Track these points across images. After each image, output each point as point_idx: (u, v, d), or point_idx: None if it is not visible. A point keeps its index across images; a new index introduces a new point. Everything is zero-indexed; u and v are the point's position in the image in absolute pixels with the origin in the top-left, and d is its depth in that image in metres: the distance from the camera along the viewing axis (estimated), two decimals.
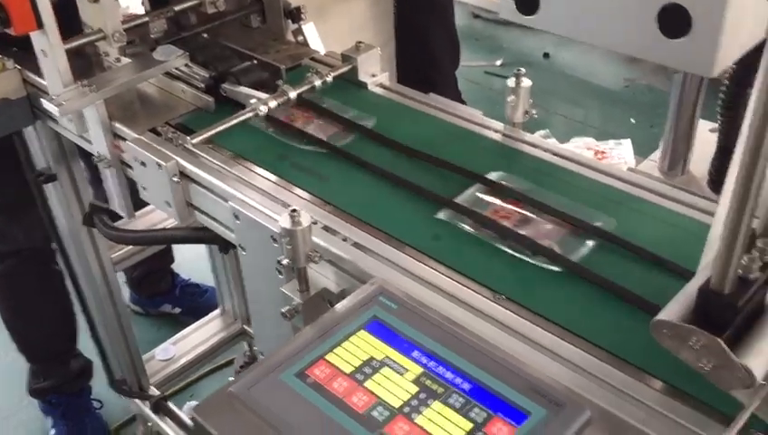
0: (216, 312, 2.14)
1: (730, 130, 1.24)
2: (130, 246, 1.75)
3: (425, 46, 2.29)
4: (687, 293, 0.73)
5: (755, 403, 0.67)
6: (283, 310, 0.95)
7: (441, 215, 1.02)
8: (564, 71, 3.82)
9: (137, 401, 1.88)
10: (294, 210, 0.90)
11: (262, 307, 1.11)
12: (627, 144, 1.97)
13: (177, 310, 2.43)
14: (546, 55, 3.93)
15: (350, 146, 1.17)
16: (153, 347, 2.05)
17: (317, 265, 0.97)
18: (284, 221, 0.91)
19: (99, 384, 2.06)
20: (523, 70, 1.18)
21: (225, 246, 1.22)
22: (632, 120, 3.35)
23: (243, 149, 1.17)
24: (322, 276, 0.98)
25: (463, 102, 2.30)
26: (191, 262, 2.47)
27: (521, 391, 0.74)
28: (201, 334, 2.07)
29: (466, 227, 0.99)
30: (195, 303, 2.39)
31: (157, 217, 1.70)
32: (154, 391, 1.89)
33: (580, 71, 3.80)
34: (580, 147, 2.01)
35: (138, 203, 1.35)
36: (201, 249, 2.17)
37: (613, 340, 0.82)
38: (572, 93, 3.61)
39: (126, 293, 2.36)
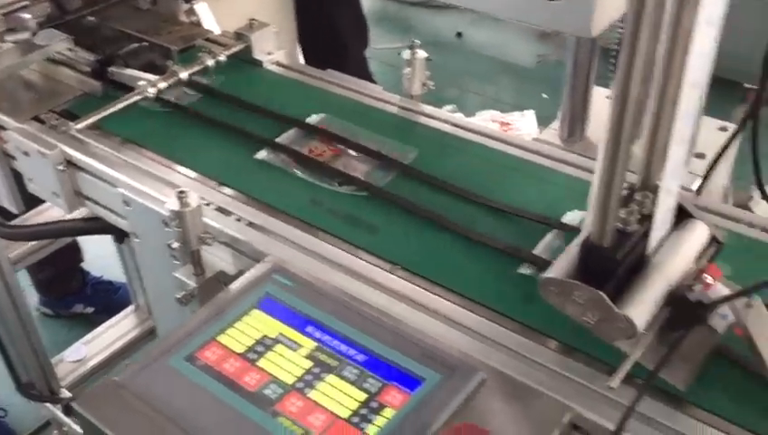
0: (130, 308, 2.07)
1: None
2: (30, 244, 1.67)
3: (331, 26, 2.26)
4: (571, 250, 0.73)
5: (638, 352, 0.68)
6: (178, 296, 0.92)
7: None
8: (477, 49, 3.86)
9: (48, 405, 1.81)
10: (182, 191, 0.87)
11: (160, 296, 1.08)
12: (530, 115, 2.00)
13: (90, 309, 2.34)
14: (459, 35, 3.95)
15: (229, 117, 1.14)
16: (65, 349, 1.97)
17: (212, 248, 0.94)
18: (172, 203, 0.87)
19: (2, 391, 1.96)
20: (417, 42, 1.17)
21: (121, 236, 1.17)
22: (544, 95, 3.41)
23: (133, 134, 1.12)
24: (219, 259, 0.96)
25: (373, 83, 2.29)
26: (103, 258, 2.39)
27: (415, 359, 0.74)
28: (114, 333, 2.00)
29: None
30: (108, 300, 2.30)
31: (57, 211, 1.63)
32: (66, 394, 1.82)
33: (492, 49, 3.84)
34: (486, 119, 2.03)
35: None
36: (112, 244, 2.10)
37: (511, 304, 0.83)
38: (486, 71, 3.65)
39: (35, 296, 2.26)
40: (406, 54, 1.16)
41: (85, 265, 2.33)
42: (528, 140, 1.18)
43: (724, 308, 0.76)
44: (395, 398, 0.71)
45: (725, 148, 1.01)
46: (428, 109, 1.17)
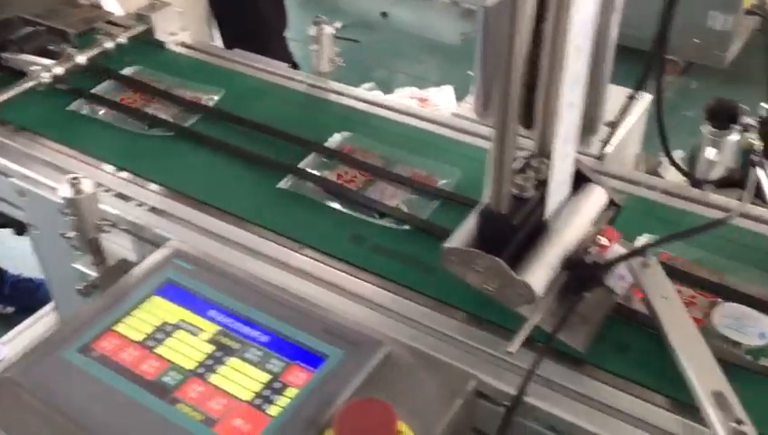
0: (49, 306, 2.00)
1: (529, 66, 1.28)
2: None
3: (250, 7, 2.21)
4: (470, 219, 0.73)
5: (536, 317, 0.69)
6: (78, 287, 0.89)
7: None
8: (403, 29, 3.84)
9: None
10: (75, 177, 0.84)
11: (64, 289, 1.04)
12: (448, 90, 2.01)
13: (10, 309, 2.25)
14: (384, 15, 3.93)
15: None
16: None
17: (113, 236, 0.91)
18: (65, 190, 0.84)
19: None
20: (324, 17, 1.15)
21: (20, 228, 1.12)
22: (469, 72, 3.42)
23: (28, 121, 1.07)
24: (120, 247, 0.92)
25: (295, 65, 2.26)
26: (21, 256, 2.30)
27: (318, 336, 0.73)
28: (34, 331, 1.93)
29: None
30: (29, 299, 2.22)
31: None
32: None
33: (417, 28, 3.83)
34: (405, 96, 2.03)
35: None
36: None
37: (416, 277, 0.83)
38: (412, 50, 3.64)
39: None
40: (312, 31, 1.14)
41: (3, 264, 2.25)
42: (444, 115, 1.18)
43: (623, 269, 0.78)
44: (298, 377, 0.69)
45: (623, 113, 1.02)
46: (337, 86, 1.15)
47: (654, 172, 1.43)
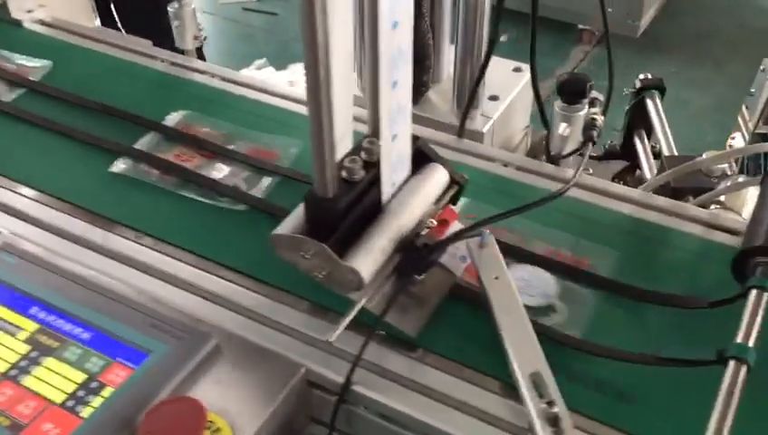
0: None
1: (416, 37, 1.25)
2: None
3: None
4: (301, 206, 0.71)
5: (359, 303, 0.67)
6: None
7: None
8: None
9: None
10: None
11: None
12: None
13: None
14: None
15: None
16: None
17: None
18: None
19: None
20: None
21: None
22: None
23: None
24: None
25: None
26: None
27: (144, 331, 0.70)
28: None
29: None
30: None
31: None
32: None
33: None
34: (297, 71, 1.98)
35: None
36: None
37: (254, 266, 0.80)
38: None
39: None
40: (172, 7, 1.09)
41: None
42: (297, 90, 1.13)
43: (463, 250, 0.77)
44: (118, 375, 0.66)
45: (477, 84, 0.99)
46: (197, 63, 1.11)
47: (539, 146, 1.43)
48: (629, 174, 1.38)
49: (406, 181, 0.76)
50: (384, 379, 0.68)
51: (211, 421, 0.62)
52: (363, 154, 0.72)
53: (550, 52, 3.55)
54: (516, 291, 0.70)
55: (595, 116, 0.82)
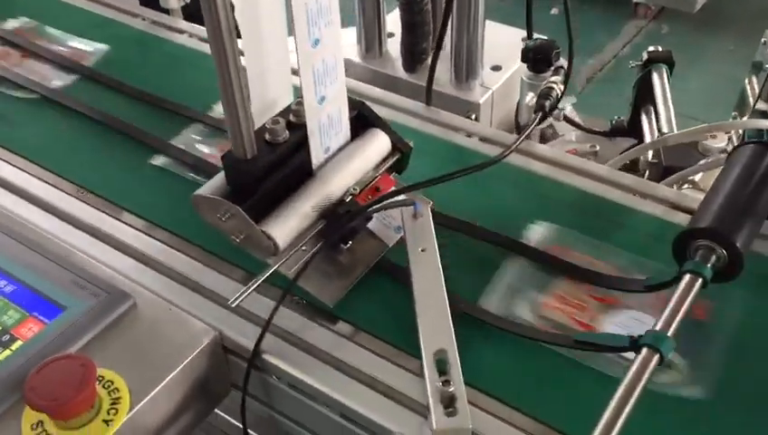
0: None
1: (407, 5, 1.21)
2: None
3: None
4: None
5: (268, 270, 0.64)
6: None
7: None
8: None
9: None
10: None
11: None
12: (351, 31, 1.93)
13: None
14: None
15: None
16: None
17: None
18: None
19: None
20: None
21: None
22: None
23: None
24: None
25: None
26: None
27: (63, 287, 0.69)
28: None
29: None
30: None
31: None
32: None
33: None
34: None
35: None
36: None
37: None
38: None
39: None
40: None
41: None
42: None
43: (398, 220, 0.73)
44: (30, 329, 0.66)
45: (436, 51, 0.93)
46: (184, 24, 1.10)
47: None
48: None
49: (343, 147, 0.73)
50: (296, 348, 0.66)
51: (111, 381, 0.61)
52: (291, 116, 0.70)
53: (601, 26, 3.42)
54: (440, 266, 0.66)
55: (552, 85, 0.77)
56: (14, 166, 0.85)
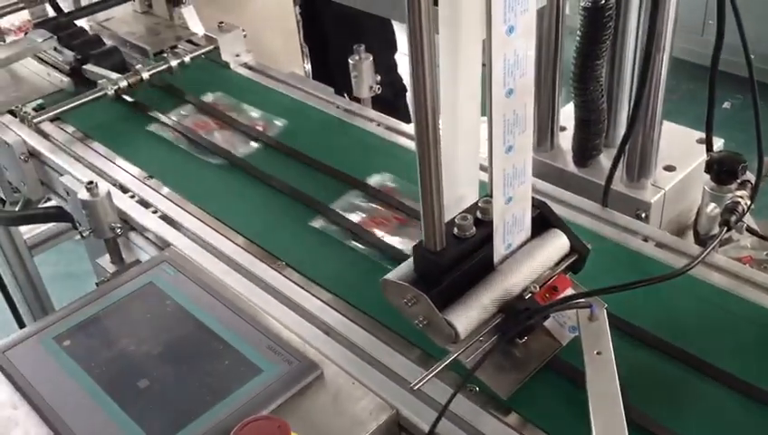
0: None
1: (583, 103, 1.24)
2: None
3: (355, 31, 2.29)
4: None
5: (449, 357, 0.68)
6: (96, 281, 0.99)
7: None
8: None
9: None
10: (91, 182, 0.93)
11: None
12: None
13: None
14: None
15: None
16: None
17: (138, 238, 1.00)
18: (82, 193, 0.94)
19: None
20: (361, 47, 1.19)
21: (74, 223, 1.25)
22: None
23: (90, 128, 1.20)
24: (139, 249, 1.01)
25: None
26: None
27: (260, 351, 0.77)
28: None
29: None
30: None
31: None
32: None
33: None
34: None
35: None
36: None
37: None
38: None
39: None
40: (352, 59, 1.19)
41: None
42: None
43: (574, 320, 0.75)
44: None
45: (618, 154, 0.94)
46: (372, 113, 1.19)
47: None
48: None
49: (524, 244, 0.77)
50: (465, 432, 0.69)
51: None
52: (478, 213, 0.75)
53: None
54: (615, 370, 0.67)
55: (738, 200, 0.77)
56: (224, 236, 0.96)
